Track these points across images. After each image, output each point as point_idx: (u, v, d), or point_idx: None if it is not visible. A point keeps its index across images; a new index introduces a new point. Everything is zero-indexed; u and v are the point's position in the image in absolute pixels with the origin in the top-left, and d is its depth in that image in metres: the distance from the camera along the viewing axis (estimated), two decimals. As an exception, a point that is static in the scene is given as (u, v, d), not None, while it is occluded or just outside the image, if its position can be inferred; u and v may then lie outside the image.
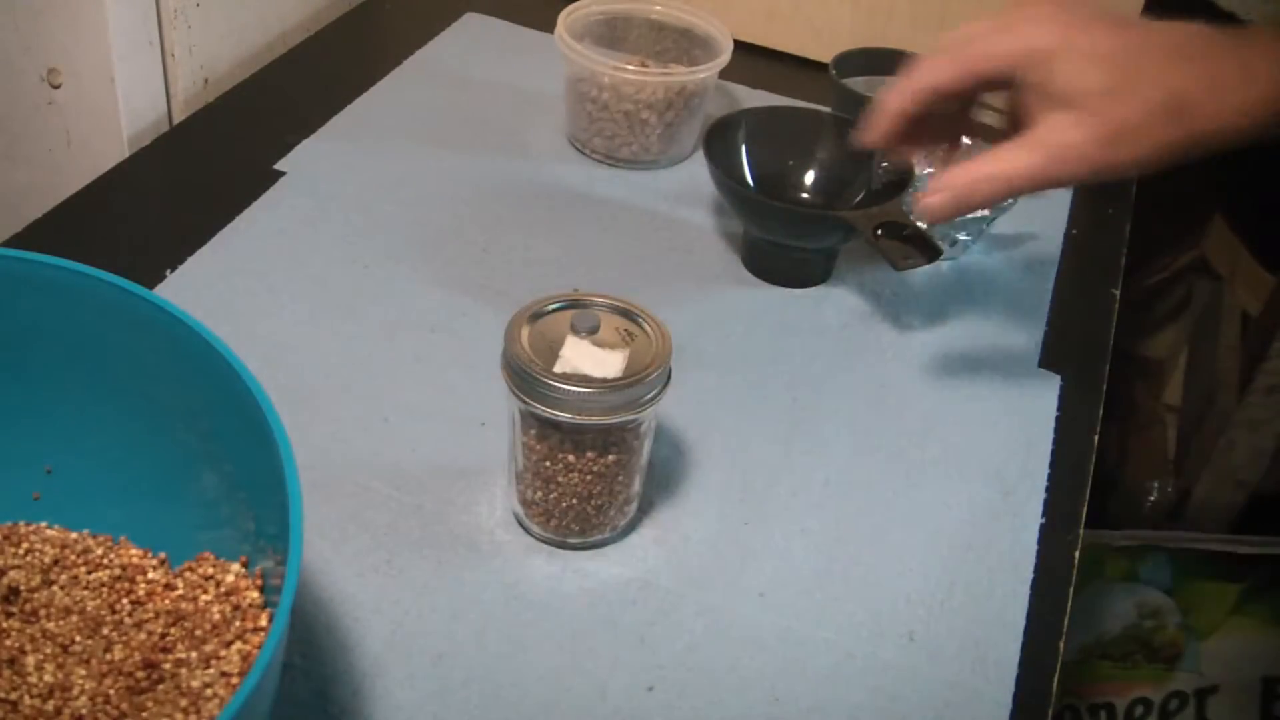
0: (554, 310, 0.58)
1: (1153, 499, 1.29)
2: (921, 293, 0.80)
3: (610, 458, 0.57)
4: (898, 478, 0.67)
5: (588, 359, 0.56)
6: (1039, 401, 0.73)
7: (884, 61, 0.90)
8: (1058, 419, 0.72)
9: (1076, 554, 0.64)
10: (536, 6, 1.03)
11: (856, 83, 0.87)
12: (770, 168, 0.82)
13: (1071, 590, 0.62)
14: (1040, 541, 0.64)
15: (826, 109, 0.87)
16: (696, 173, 0.88)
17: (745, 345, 0.74)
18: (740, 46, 0.90)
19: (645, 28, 0.92)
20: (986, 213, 0.82)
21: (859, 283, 0.81)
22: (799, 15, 1.02)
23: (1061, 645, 0.59)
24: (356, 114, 0.90)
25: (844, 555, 0.62)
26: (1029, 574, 0.62)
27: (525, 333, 0.56)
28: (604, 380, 0.55)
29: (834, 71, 0.87)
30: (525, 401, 0.55)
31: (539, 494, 0.59)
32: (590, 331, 0.57)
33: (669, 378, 0.57)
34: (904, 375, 0.74)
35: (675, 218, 0.85)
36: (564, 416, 0.55)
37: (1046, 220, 0.89)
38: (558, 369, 0.55)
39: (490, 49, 1.01)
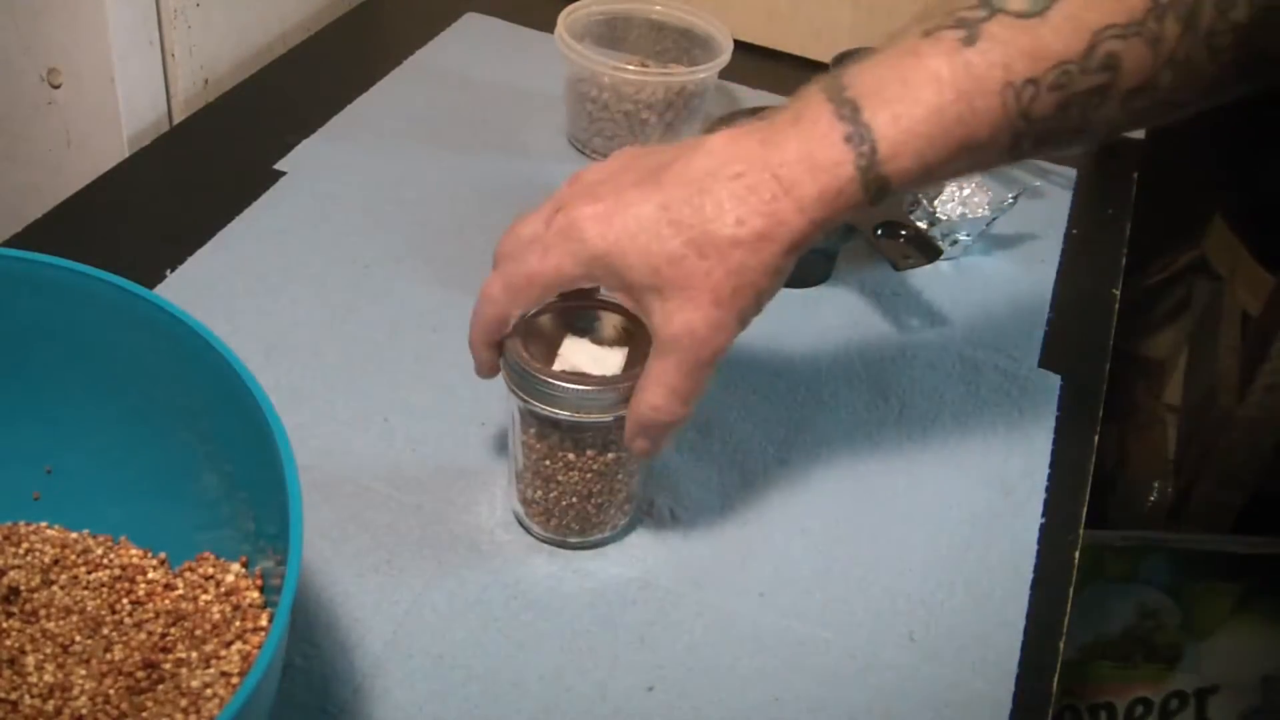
0: (553, 309, 0.58)
1: (1153, 499, 1.29)
2: (921, 293, 0.80)
3: (610, 456, 0.57)
4: (898, 478, 0.67)
5: (586, 357, 0.56)
6: (1039, 401, 0.73)
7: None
8: (1058, 419, 0.72)
9: (1076, 554, 0.64)
10: (536, 6, 1.03)
11: (856, 83, 0.87)
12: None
13: (1071, 590, 0.62)
14: (1040, 541, 0.64)
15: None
16: (696, 173, 0.87)
17: (745, 345, 0.74)
18: (740, 46, 0.90)
19: (645, 28, 0.92)
20: (986, 212, 0.82)
21: (859, 283, 0.81)
22: (799, 15, 1.02)
23: (1061, 645, 0.59)
24: (356, 114, 0.90)
25: (844, 555, 0.62)
26: (1029, 574, 0.62)
27: (523, 331, 0.56)
28: (602, 378, 0.55)
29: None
30: (524, 400, 0.55)
31: (539, 493, 0.59)
32: (589, 330, 0.57)
33: None
34: (904, 375, 0.74)
35: (675, 218, 0.84)
36: (563, 415, 0.55)
37: (1046, 220, 0.89)
38: (556, 367, 0.55)
39: (490, 49, 1.01)
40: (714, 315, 0.51)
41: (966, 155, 0.51)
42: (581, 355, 0.56)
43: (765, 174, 0.50)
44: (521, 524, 0.61)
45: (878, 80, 0.50)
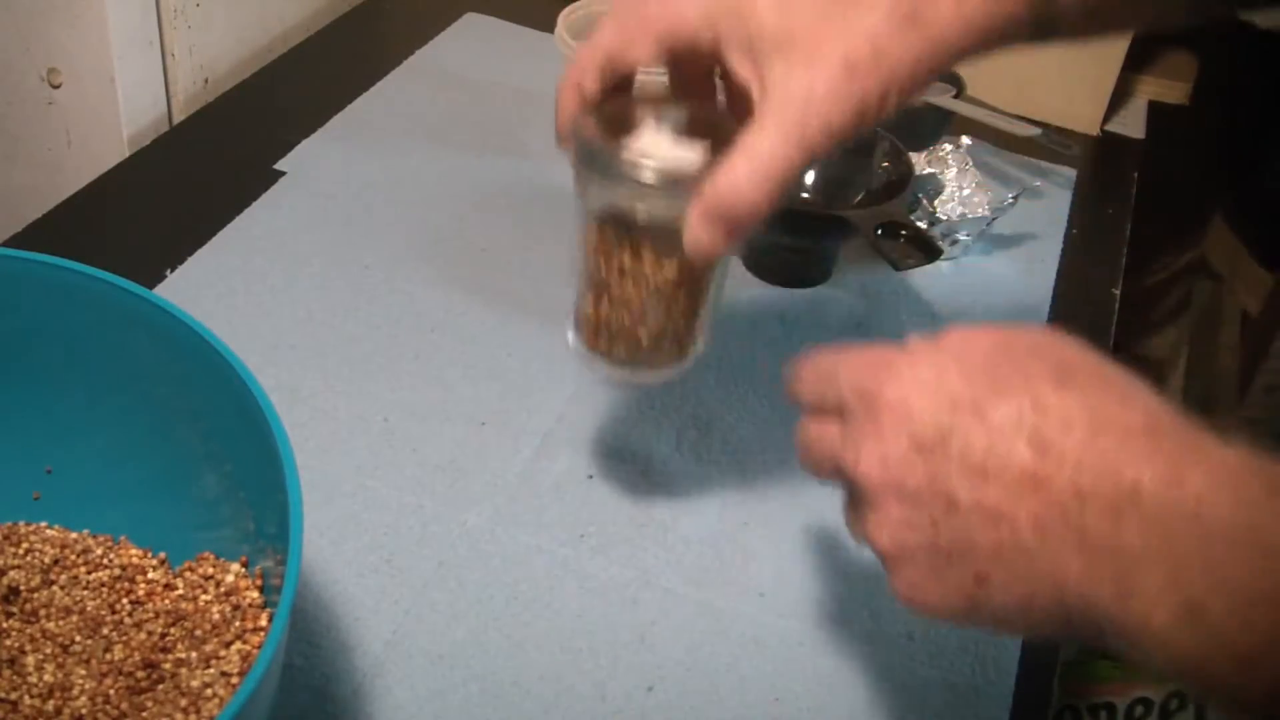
0: (640, 101, 0.52)
1: (1153, 499, 1.29)
2: (921, 293, 0.80)
3: (667, 273, 0.51)
4: (898, 478, 0.67)
5: (661, 148, 0.50)
6: (1039, 401, 0.73)
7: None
8: (1058, 419, 0.72)
9: (1076, 554, 0.64)
10: (536, 6, 1.03)
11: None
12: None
13: (1071, 590, 0.62)
14: (1040, 541, 0.64)
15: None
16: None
17: (745, 345, 0.74)
18: (740, 46, 0.90)
19: (645, 28, 0.92)
20: (986, 212, 0.82)
21: (859, 283, 0.81)
22: (799, 15, 1.02)
23: (1061, 645, 0.59)
24: (356, 114, 0.90)
25: (844, 555, 0.62)
26: (1029, 574, 0.62)
27: (602, 116, 0.51)
28: (675, 170, 0.49)
29: (834, 71, 0.87)
30: (585, 174, 0.51)
31: (590, 306, 0.54)
32: (673, 126, 0.52)
33: None
34: (904, 375, 0.74)
35: (675, 218, 0.85)
36: (620, 199, 0.49)
37: (1046, 220, 0.89)
38: (626, 153, 0.50)
39: (490, 49, 1.01)
40: (839, 83, 0.46)
41: None
42: (656, 146, 0.50)
43: None
44: (573, 348, 0.56)
45: None
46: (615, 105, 0.51)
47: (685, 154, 0.50)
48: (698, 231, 0.48)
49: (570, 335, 0.56)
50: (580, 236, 0.53)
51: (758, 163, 0.46)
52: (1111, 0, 0.48)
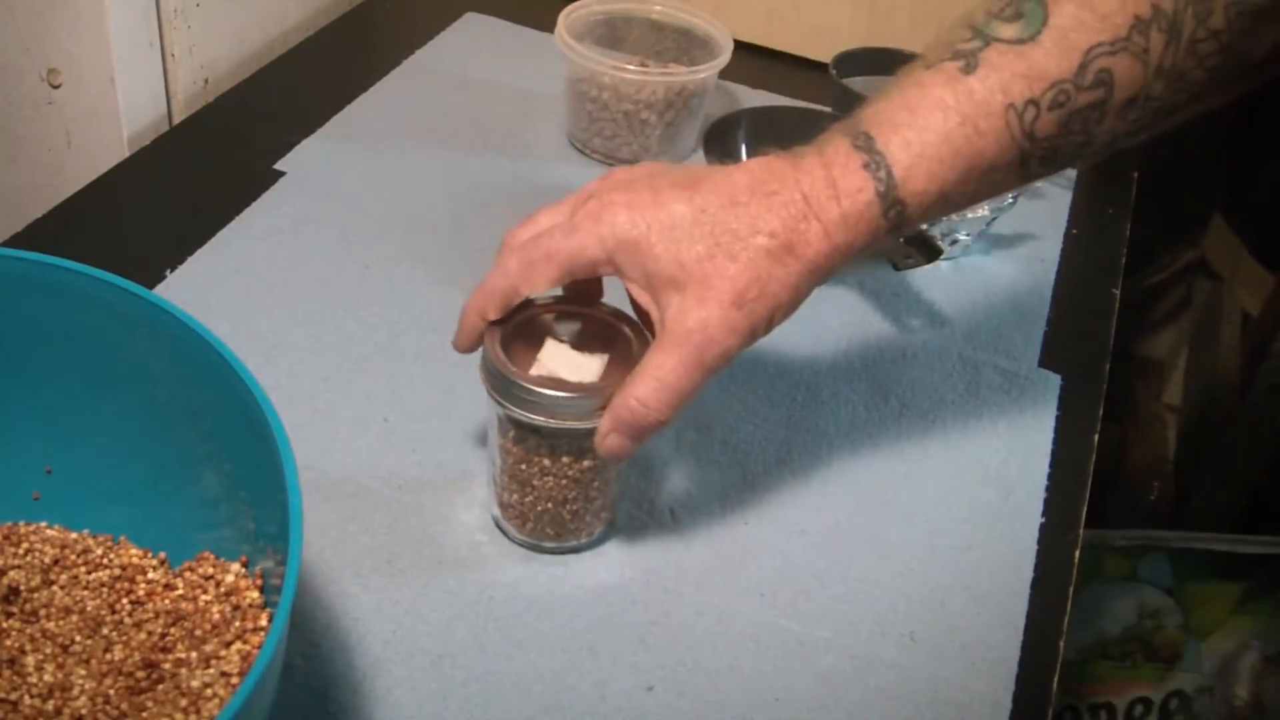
0: (534, 314, 0.58)
1: (1153, 499, 1.30)
2: (921, 293, 0.80)
3: (585, 463, 0.57)
4: (898, 478, 0.67)
5: (564, 363, 0.56)
6: (1039, 401, 0.73)
7: (884, 61, 0.90)
8: (1058, 419, 0.72)
9: (1076, 554, 0.64)
10: (536, 6, 1.03)
11: (856, 83, 0.87)
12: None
13: (1071, 590, 0.62)
14: (1040, 541, 0.64)
15: (826, 109, 0.87)
16: (696, 173, 0.88)
17: (745, 345, 0.74)
18: (740, 46, 0.90)
19: (645, 28, 0.92)
20: (986, 212, 0.82)
21: (859, 283, 0.81)
22: (799, 15, 1.02)
23: (1061, 645, 0.59)
24: (356, 114, 0.90)
25: (844, 555, 0.62)
26: (1029, 574, 0.62)
27: (503, 335, 0.56)
28: (579, 384, 0.54)
29: (834, 71, 0.87)
30: (501, 404, 0.55)
31: (515, 496, 0.59)
32: (570, 337, 0.57)
33: None
34: (904, 375, 0.74)
35: (675, 218, 0.84)
36: (538, 420, 0.54)
37: (1046, 220, 0.89)
38: (534, 372, 0.55)
39: (490, 49, 1.01)
40: (730, 316, 0.52)
41: (978, 176, 0.53)
42: (560, 361, 0.56)
43: (797, 193, 0.52)
44: (499, 527, 0.61)
45: (887, 112, 0.53)
46: (516, 318, 0.57)
47: (586, 362, 0.56)
48: (610, 440, 0.54)
49: (496, 513, 0.61)
50: (497, 437, 0.58)
51: (663, 385, 0.52)
52: (952, 196, 0.53)
